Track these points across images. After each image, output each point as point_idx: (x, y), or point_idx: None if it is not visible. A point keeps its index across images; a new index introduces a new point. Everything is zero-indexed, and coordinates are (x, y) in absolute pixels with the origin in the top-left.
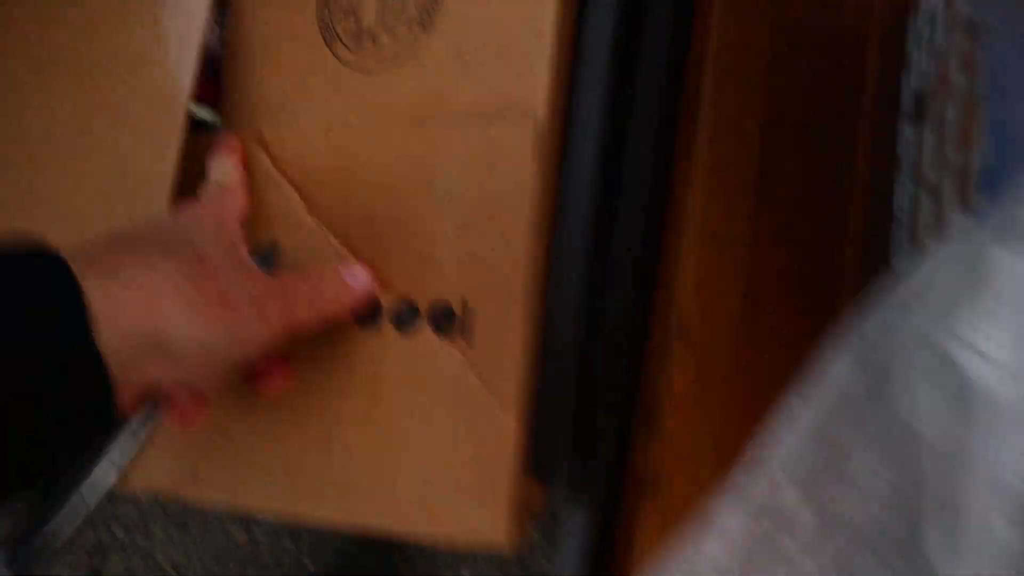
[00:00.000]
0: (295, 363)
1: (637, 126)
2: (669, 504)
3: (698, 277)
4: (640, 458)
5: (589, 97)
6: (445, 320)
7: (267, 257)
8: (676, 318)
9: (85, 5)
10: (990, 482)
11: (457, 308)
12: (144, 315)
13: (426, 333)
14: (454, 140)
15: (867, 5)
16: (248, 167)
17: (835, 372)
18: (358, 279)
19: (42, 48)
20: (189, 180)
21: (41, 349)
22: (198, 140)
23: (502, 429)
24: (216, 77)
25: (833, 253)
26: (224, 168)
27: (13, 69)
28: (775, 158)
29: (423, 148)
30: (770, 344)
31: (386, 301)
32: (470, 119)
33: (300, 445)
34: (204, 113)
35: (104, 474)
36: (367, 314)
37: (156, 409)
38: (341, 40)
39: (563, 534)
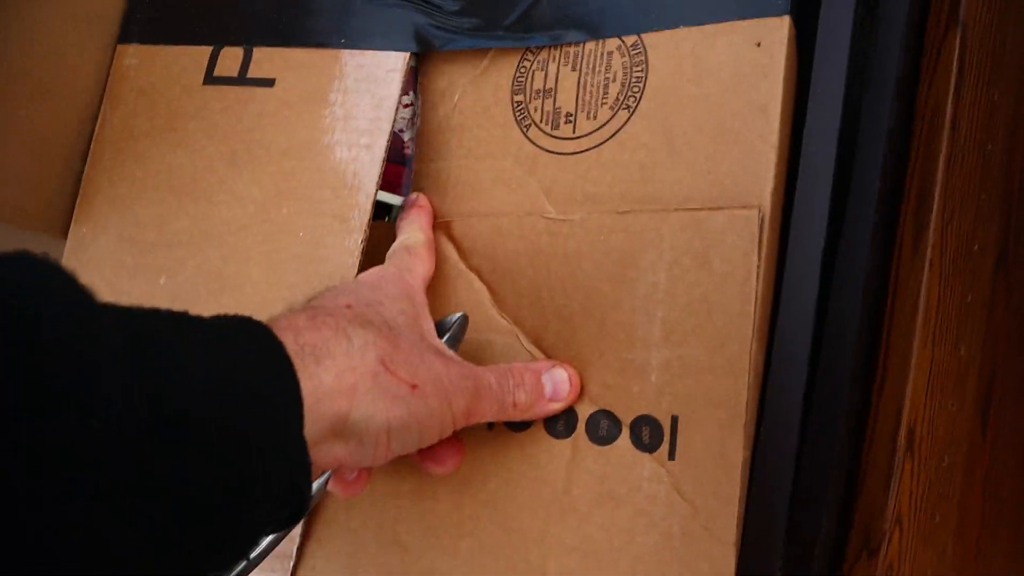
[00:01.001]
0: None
1: (858, 211)
2: None
3: (928, 378)
4: None
5: (814, 189)
6: (649, 434)
7: (454, 331)
8: (902, 426)
9: (278, 97)
10: None
11: (664, 423)
12: (341, 400)
13: (626, 446)
14: (663, 232)
15: None
16: (436, 257)
17: None
18: (559, 387)
19: (237, 139)
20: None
21: (258, 438)
22: (382, 225)
23: (717, 562)
24: (400, 160)
25: None
26: (412, 228)
27: (210, 159)
28: (1017, 236)
29: (627, 240)
30: (1010, 456)
31: (583, 412)
32: (682, 209)
33: (487, 560)
34: (389, 198)
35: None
36: (556, 426)
37: (326, 482)
38: (536, 124)
39: None
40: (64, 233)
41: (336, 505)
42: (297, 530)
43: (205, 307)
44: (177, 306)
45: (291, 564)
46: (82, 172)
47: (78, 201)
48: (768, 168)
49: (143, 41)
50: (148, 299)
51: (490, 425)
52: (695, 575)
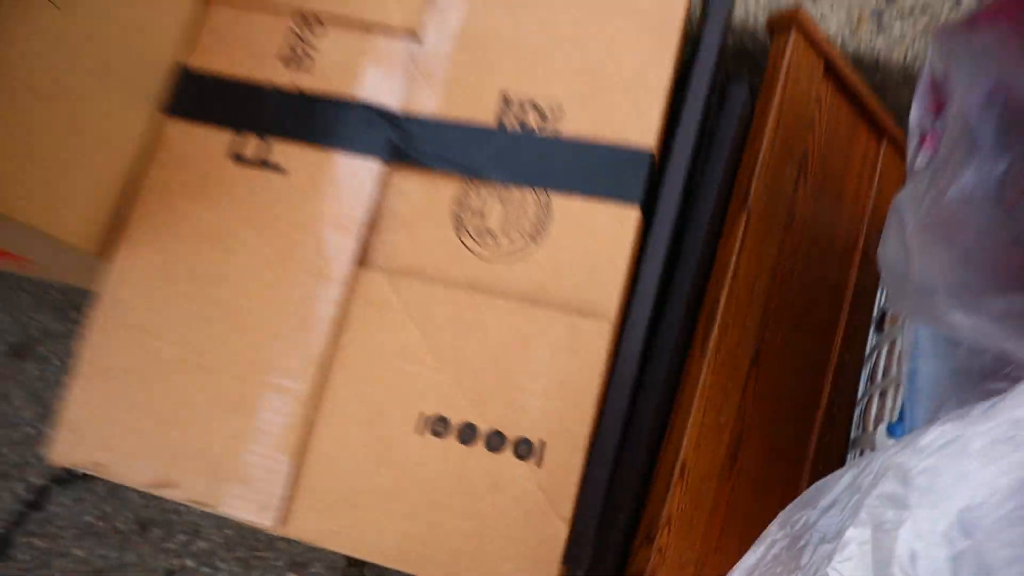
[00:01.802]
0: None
1: (668, 324)
2: None
3: (699, 432)
4: (639, 564)
5: (641, 310)
6: (525, 450)
7: None
8: (679, 462)
9: (288, 182)
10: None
11: (535, 443)
12: None
13: (508, 456)
14: (550, 325)
15: (854, 235)
16: (379, 301)
17: (770, 530)
18: None
19: (254, 208)
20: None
21: None
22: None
23: (557, 532)
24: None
25: (808, 421)
26: None
27: (232, 220)
28: (769, 347)
29: (525, 324)
30: (745, 487)
31: (483, 429)
32: (563, 313)
33: (412, 513)
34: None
35: None
36: (466, 437)
37: None
38: (469, 233)
39: None
40: (104, 254)
41: None
42: None
43: (219, 332)
44: (200, 326)
45: None
46: (123, 209)
47: (124, 235)
48: (615, 296)
49: (185, 117)
50: (175, 320)
51: (436, 432)
52: (543, 537)
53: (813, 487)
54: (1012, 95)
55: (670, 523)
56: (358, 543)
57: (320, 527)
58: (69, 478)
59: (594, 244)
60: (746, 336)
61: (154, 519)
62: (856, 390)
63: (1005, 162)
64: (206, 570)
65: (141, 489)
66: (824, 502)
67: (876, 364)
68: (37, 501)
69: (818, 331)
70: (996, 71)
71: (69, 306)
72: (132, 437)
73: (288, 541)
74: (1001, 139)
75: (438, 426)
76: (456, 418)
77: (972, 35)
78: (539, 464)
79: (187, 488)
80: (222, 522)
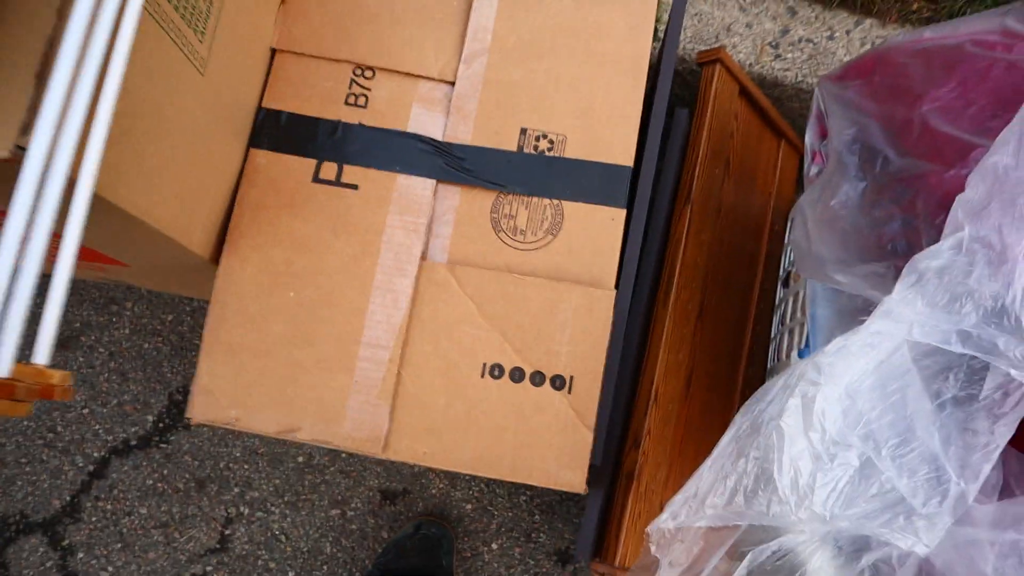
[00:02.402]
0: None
1: (641, 289)
2: (641, 489)
3: (665, 368)
4: (629, 464)
5: (626, 280)
6: (560, 383)
7: None
8: (653, 389)
9: (360, 196)
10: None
11: (566, 377)
12: None
13: (547, 388)
14: (570, 293)
15: (763, 215)
16: (442, 282)
17: (735, 420)
18: None
19: (336, 218)
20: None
21: None
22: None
23: (585, 437)
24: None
25: (736, 358)
26: None
27: (318, 228)
28: (709, 304)
29: (552, 294)
30: (697, 409)
31: (528, 370)
32: (578, 285)
33: (481, 433)
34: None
35: None
36: (516, 377)
37: None
38: (504, 231)
39: (586, 505)
40: (215, 260)
41: None
42: None
43: (318, 313)
44: (302, 309)
45: None
46: (226, 225)
47: (226, 244)
48: (612, 271)
49: (268, 148)
50: (281, 306)
51: (494, 376)
52: (575, 441)
53: (760, 389)
54: (865, 140)
55: (650, 433)
56: (443, 458)
57: (414, 450)
58: (125, 448)
59: (595, 236)
60: (693, 296)
61: (209, 476)
62: (770, 333)
63: (864, 184)
64: (260, 514)
65: (272, 436)
66: (769, 396)
67: (784, 311)
68: (99, 470)
69: (741, 289)
70: (856, 120)
71: (108, 301)
72: (258, 396)
73: (327, 484)
74: (861, 168)
75: (495, 371)
76: (508, 364)
77: (842, 88)
78: (569, 392)
79: (308, 431)
80: (271, 474)
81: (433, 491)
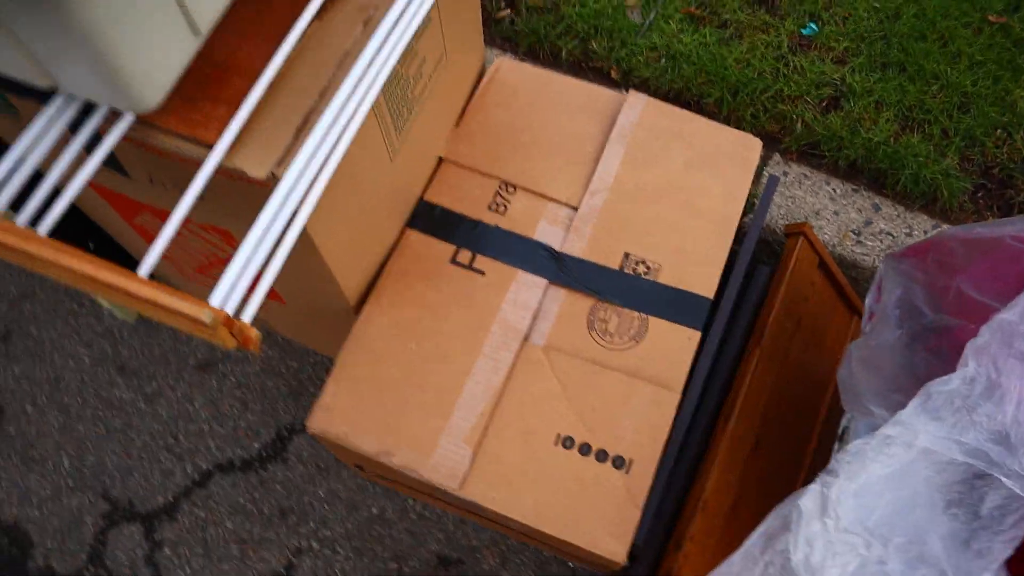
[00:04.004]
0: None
1: (706, 404)
2: None
3: (716, 484)
4: (668, 563)
5: (693, 391)
6: (619, 462)
7: None
8: (703, 498)
9: (486, 280)
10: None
11: (626, 459)
12: None
13: (608, 465)
14: (643, 389)
15: (828, 376)
16: (537, 361)
17: (764, 524)
18: None
19: (462, 295)
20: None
21: None
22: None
23: (633, 515)
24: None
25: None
26: None
27: (447, 299)
28: (765, 440)
29: (627, 387)
30: (744, 533)
31: (595, 447)
32: (651, 384)
33: (544, 491)
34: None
35: None
36: (584, 451)
37: None
38: (596, 330)
39: None
40: (357, 311)
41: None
42: None
43: (431, 365)
44: (418, 359)
45: None
46: (373, 283)
47: (371, 296)
48: (682, 380)
49: (420, 230)
50: (402, 353)
51: (565, 446)
52: (623, 516)
53: (792, 494)
54: (909, 299)
55: (693, 539)
56: (508, 505)
57: (485, 493)
58: (229, 466)
59: (672, 348)
60: (751, 428)
61: (292, 507)
62: None
63: (901, 331)
64: (327, 552)
65: (370, 455)
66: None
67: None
68: (202, 480)
69: (798, 437)
70: (904, 285)
71: None
72: (367, 420)
73: (392, 538)
74: (901, 320)
75: (567, 442)
76: (579, 438)
77: (900, 262)
78: (627, 472)
79: (400, 457)
80: (346, 517)
81: (485, 566)
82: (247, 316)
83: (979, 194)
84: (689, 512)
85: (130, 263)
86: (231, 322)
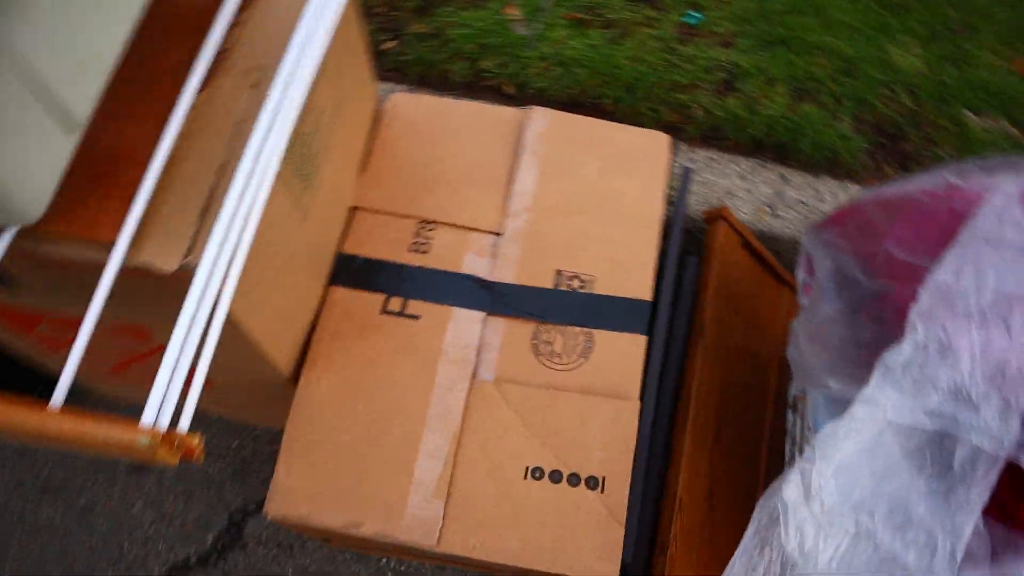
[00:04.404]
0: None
1: (662, 407)
2: None
3: (687, 483)
4: (657, 568)
5: (649, 396)
6: (593, 483)
7: None
8: (677, 498)
9: (421, 324)
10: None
11: (599, 478)
12: None
13: (583, 488)
14: (601, 406)
15: (772, 353)
16: (490, 397)
17: (753, 523)
18: None
19: (401, 342)
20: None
21: None
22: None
23: (616, 533)
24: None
25: (754, 482)
26: None
27: (385, 351)
28: (725, 430)
29: (585, 406)
30: (722, 522)
31: (565, 472)
32: (608, 398)
33: (525, 527)
34: None
35: None
36: (555, 478)
37: None
38: (543, 354)
39: None
40: (294, 380)
41: None
42: None
43: (383, 422)
44: (370, 418)
45: None
46: (305, 349)
47: (306, 362)
48: (637, 388)
49: (345, 285)
50: (352, 414)
51: (535, 477)
52: (608, 536)
53: (773, 483)
54: (842, 270)
55: (676, 540)
56: (491, 550)
57: (465, 542)
58: (185, 567)
59: (621, 358)
60: (709, 421)
61: None
62: (784, 456)
63: (841, 303)
64: None
65: (337, 530)
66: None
67: (794, 433)
68: None
69: (754, 419)
70: (834, 257)
71: None
72: (328, 494)
73: None
74: (838, 292)
75: (536, 473)
76: (547, 467)
77: (823, 233)
78: (603, 491)
79: (370, 526)
80: None
81: None
82: (185, 423)
83: (875, 151)
84: (667, 514)
85: (22, 374)
86: (171, 437)
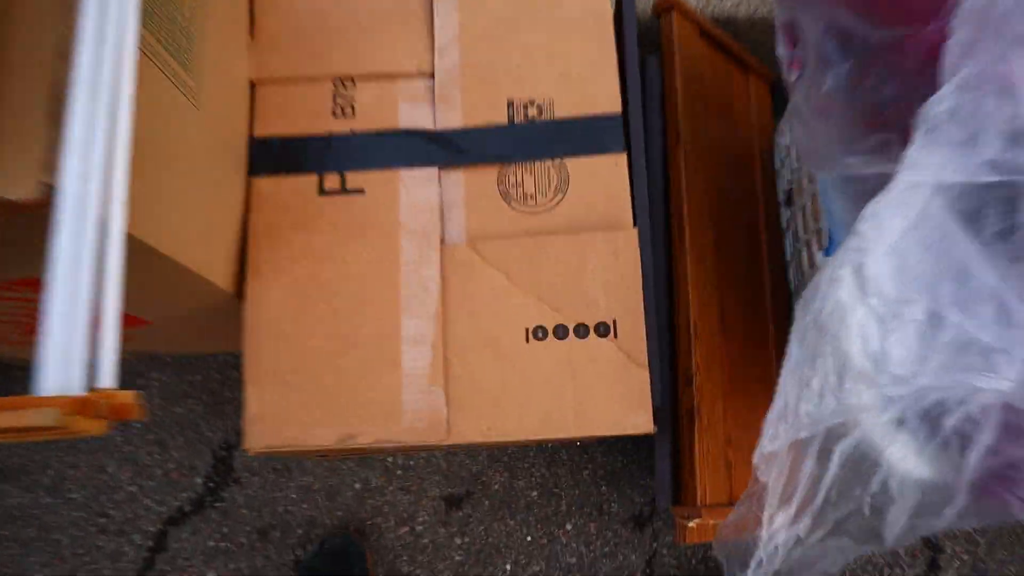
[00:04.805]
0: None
1: (657, 229)
2: (704, 424)
3: (698, 305)
4: (687, 402)
5: (641, 219)
6: (604, 329)
7: None
8: (692, 327)
9: (370, 199)
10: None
11: (609, 323)
12: None
13: (594, 337)
14: (593, 241)
15: (751, 147)
16: (467, 261)
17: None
18: None
19: (351, 225)
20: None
21: None
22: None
23: (641, 376)
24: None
25: (760, 288)
26: None
27: (335, 238)
28: (722, 239)
29: (576, 246)
30: (740, 338)
31: (571, 325)
32: (599, 231)
33: (540, 397)
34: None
35: None
36: (560, 334)
37: None
38: (515, 200)
39: (656, 454)
40: (239, 295)
41: None
42: None
43: (353, 318)
44: (337, 318)
45: None
46: (243, 256)
47: (248, 272)
48: (628, 212)
49: (268, 174)
50: (315, 319)
51: (538, 338)
52: (632, 383)
53: (806, 291)
54: (838, 26)
55: (699, 369)
56: (507, 430)
57: (477, 428)
58: (180, 516)
59: (603, 183)
60: (705, 233)
61: (269, 524)
62: (784, 254)
63: (847, 64)
64: None
65: (332, 446)
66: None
67: (795, 228)
68: (157, 544)
69: (748, 221)
70: (824, 13)
71: (134, 375)
72: (311, 412)
73: (390, 504)
74: (841, 52)
75: (538, 333)
76: (549, 324)
77: None
78: (616, 336)
79: (367, 435)
80: (331, 507)
81: (495, 486)
82: (107, 378)
83: None
84: (685, 344)
85: None
86: (90, 401)
